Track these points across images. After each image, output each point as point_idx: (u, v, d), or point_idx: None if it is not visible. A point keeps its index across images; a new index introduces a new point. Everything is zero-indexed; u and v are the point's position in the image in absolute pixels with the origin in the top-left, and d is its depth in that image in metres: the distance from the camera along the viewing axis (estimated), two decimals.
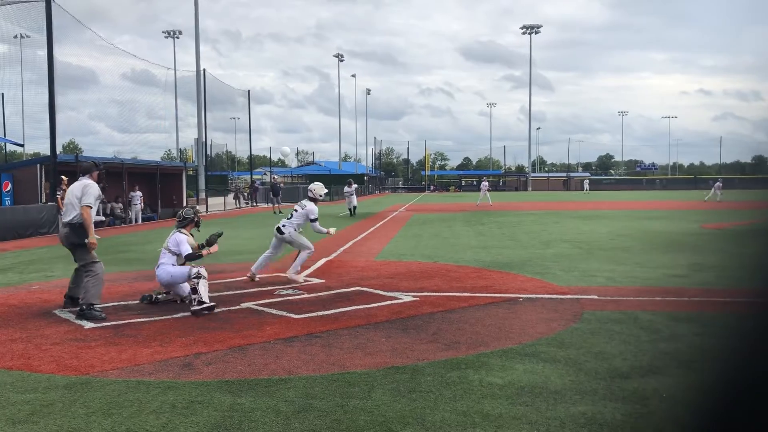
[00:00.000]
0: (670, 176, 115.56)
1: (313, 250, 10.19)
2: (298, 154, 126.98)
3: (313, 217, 10.09)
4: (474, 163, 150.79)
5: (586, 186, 76.35)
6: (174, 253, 8.29)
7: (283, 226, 10.07)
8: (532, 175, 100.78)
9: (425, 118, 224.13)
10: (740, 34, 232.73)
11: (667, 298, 8.29)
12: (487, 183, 43.26)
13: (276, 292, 8.88)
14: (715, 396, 1.06)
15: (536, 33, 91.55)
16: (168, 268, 8.19)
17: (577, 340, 6.14)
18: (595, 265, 11.39)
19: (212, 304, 7.80)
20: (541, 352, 5.71)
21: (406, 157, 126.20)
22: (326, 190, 10.64)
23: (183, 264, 8.20)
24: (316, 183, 10.63)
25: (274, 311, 7.66)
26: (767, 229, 0.88)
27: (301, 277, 9.92)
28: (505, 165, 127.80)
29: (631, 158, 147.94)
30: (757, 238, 0.89)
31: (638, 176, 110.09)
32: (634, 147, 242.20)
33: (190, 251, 8.21)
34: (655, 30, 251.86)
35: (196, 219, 8.62)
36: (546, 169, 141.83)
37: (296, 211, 10.26)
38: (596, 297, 8.35)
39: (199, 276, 7.81)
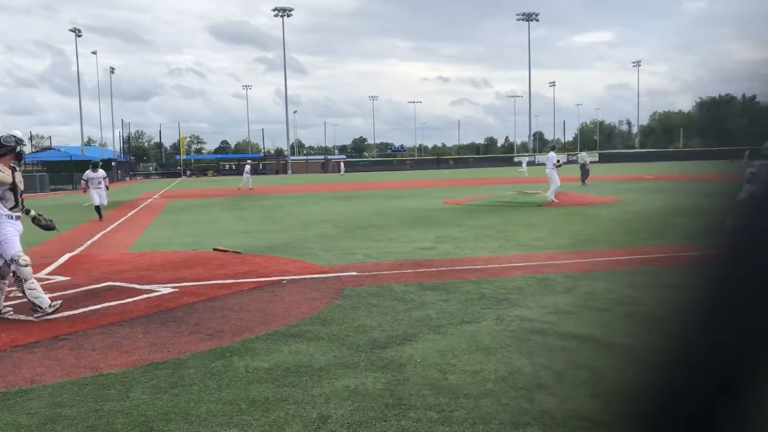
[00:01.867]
0: (417, 157, 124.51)
1: None
2: (31, 138, 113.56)
3: None
4: (233, 146, 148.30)
5: (343, 168, 79.22)
6: None
7: None
8: (292, 158, 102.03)
9: (177, 99, 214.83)
10: (473, 26, 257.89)
11: (418, 269, 8.95)
12: (249, 166, 42.22)
13: (11, 294, 7.88)
14: None
15: (288, 16, 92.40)
16: None
17: (339, 316, 6.36)
18: (353, 243, 11.89)
19: (55, 303, 6.76)
20: (306, 332, 5.82)
21: (159, 140, 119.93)
22: None
23: None
24: None
25: (9, 315, 6.80)
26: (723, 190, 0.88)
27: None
28: (264, 148, 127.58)
29: (382, 141, 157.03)
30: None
31: (389, 158, 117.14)
32: (385, 130, 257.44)
33: None
34: (400, 19, 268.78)
35: (18, 149, 6.79)
36: (304, 152, 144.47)
37: None
38: (356, 273, 8.73)
39: (20, 280, 6.56)
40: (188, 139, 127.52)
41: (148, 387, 4.51)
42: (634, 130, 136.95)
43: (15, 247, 6.66)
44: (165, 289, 7.99)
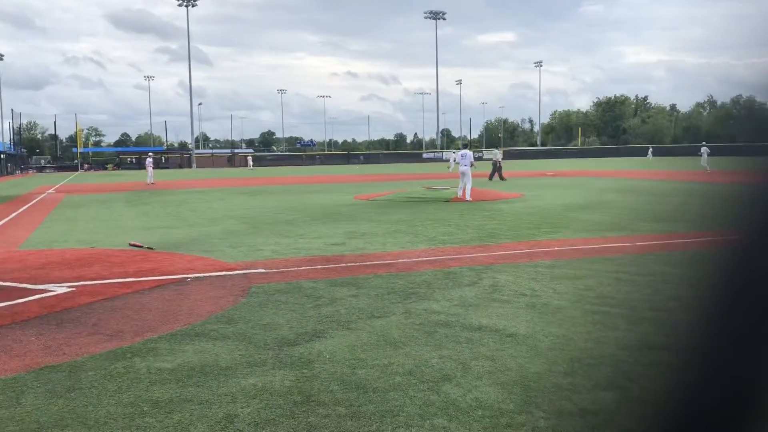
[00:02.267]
0: (327, 152, 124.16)
1: None
2: None
3: None
4: (134, 139, 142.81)
5: (251, 162, 77.79)
6: None
7: None
8: (196, 151, 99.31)
9: (74, 89, 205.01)
10: (381, 23, 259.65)
11: (328, 265, 8.93)
12: (151, 159, 40.16)
13: None
14: None
15: (193, 5, 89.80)
16: None
17: (245, 314, 6.25)
18: (261, 239, 11.72)
19: None
20: (211, 331, 5.68)
21: (54, 132, 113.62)
22: None
23: None
24: None
25: None
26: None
27: None
28: (167, 141, 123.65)
29: (291, 135, 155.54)
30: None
31: (299, 152, 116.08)
32: (294, 124, 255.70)
33: None
34: (308, 12, 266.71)
35: None
36: (210, 145, 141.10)
37: None
38: (263, 270, 8.60)
39: None
40: (86, 131, 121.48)
41: (42, 392, 4.28)
42: (536, 128, 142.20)
43: None
44: (60, 289, 7.59)
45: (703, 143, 40.27)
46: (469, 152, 20.56)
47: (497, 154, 35.44)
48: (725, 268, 0.81)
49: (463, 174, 19.89)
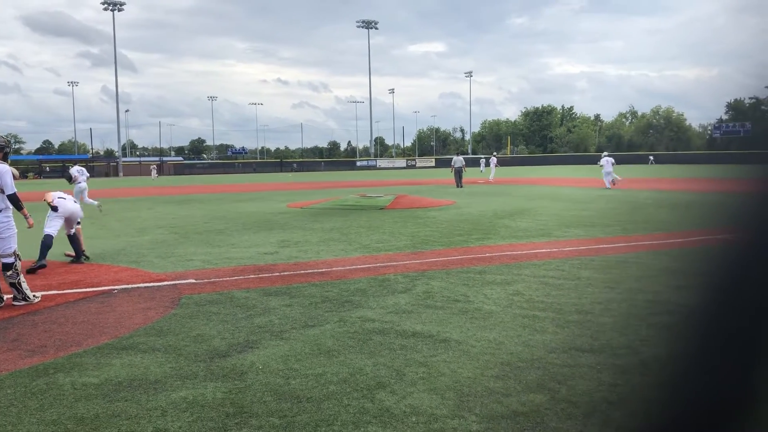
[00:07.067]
0: (259, 160, 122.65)
1: None
2: None
3: None
4: (57, 146, 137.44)
5: (154, 173, 73.72)
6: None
7: None
8: (124, 159, 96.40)
9: None
10: (311, 30, 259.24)
11: (260, 275, 8.82)
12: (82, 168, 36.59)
13: None
14: None
15: (120, 10, 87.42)
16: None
17: (175, 326, 6.11)
18: (191, 249, 11.47)
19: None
20: (139, 343, 5.52)
21: None
22: None
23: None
24: None
25: None
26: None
27: None
28: (92, 149, 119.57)
29: (222, 142, 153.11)
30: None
31: (230, 160, 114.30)
32: (224, 132, 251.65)
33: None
34: (237, 19, 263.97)
35: (7, 149, 7.44)
36: (138, 153, 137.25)
37: None
38: (194, 281, 8.42)
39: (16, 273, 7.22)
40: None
41: None
42: (467, 136, 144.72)
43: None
44: None
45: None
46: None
47: (457, 161, 34.35)
48: (713, 270, 0.82)
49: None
